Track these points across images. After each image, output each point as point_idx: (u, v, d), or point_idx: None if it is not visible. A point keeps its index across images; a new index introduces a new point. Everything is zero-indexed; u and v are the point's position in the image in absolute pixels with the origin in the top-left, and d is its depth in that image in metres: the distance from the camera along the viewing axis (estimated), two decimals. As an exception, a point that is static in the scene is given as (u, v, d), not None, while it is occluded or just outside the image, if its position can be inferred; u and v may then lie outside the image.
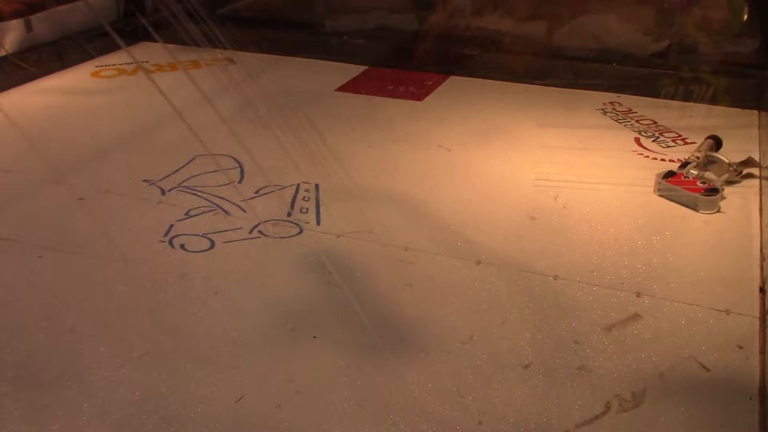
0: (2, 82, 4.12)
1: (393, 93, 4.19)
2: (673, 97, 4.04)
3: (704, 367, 2.03)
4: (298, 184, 3.03)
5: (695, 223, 2.79)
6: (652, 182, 3.06)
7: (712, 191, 2.89)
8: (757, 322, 2.22)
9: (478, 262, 2.52)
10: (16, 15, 4.42)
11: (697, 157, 3.12)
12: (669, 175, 3.02)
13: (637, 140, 3.52)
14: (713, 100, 3.99)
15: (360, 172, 3.18)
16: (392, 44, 4.86)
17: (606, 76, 4.23)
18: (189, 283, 2.39)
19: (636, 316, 2.24)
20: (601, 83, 4.19)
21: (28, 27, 4.49)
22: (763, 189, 3.00)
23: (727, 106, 3.94)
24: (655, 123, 3.72)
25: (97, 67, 4.55)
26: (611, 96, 4.10)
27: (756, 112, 3.85)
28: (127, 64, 4.58)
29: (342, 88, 4.25)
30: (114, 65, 4.58)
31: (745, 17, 4.31)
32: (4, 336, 2.11)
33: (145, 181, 3.05)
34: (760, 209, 2.87)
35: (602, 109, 3.92)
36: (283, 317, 2.23)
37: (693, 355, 2.08)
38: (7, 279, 2.40)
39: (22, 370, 1.98)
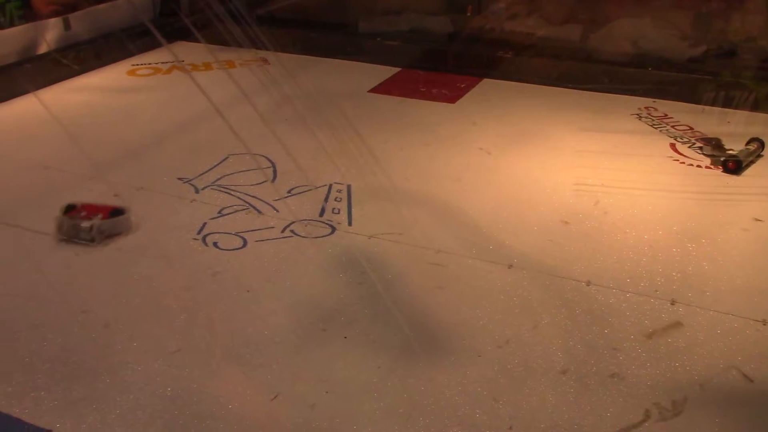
0: (41, 79, 4.19)
1: (426, 95, 4.18)
2: (710, 103, 3.98)
3: (747, 378, 2.00)
4: (331, 185, 3.03)
5: (732, 230, 2.75)
6: (688, 189, 3.02)
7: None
8: (795, 333, 2.18)
9: (510, 266, 2.51)
10: (54, 14, 4.49)
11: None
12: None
13: (673, 146, 3.47)
14: (753, 107, 3.92)
15: (392, 174, 3.18)
16: (426, 46, 4.85)
17: (641, 81, 4.19)
18: (221, 281, 2.41)
19: (678, 324, 2.21)
20: (637, 88, 4.15)
21: (67, 25, 4.56)
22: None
23: (767, 112, 3.87)
24: (692, 129, 3.67)
25: (133, 65, 4.61)
26: (647, 101, 4.05)
27: (796, 118, 3.78)
28: (162, 63, 4.63)
29: (375, 90, 4.26)
30: (150, 64, 4.63)
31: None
32: (41, 329, 2.14)
33: (179, 179, 3.08)
34: (799, 218, 2.82)
35: (637, 114, 3.88)
36: (314, 317, 2.23)
37: (732, 365, 2.04)
38: (45, 273, 2.43)
39: (58, 363, 2.01)
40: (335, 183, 3.05)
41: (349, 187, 3.02)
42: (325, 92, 4.18)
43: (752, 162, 3.27)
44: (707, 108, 3.95)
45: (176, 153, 3.35)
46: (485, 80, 4.41)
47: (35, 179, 3.08)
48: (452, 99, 4.12)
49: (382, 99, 4.15)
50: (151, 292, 2.34)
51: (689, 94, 4.04)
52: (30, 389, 1.91)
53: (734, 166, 3.18)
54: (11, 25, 4.18)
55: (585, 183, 3.09)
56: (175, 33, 4.87)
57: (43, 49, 4.38)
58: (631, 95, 4.13)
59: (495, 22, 4.94)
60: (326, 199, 2.93)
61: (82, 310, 2.24)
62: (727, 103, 3.96)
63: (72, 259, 2.52)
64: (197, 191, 2.98)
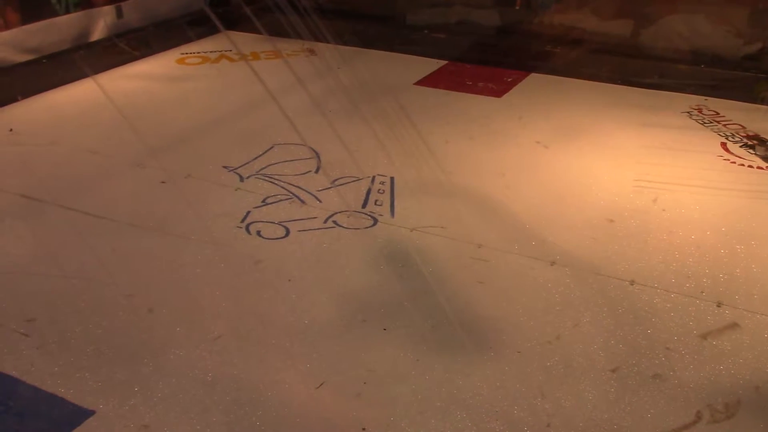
0: (93, 65, 4.27)
1: (471, 88, 4.16)
2: (765, 102, 3.89)
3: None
4: (374, 177, 3.04)
5: (783, 233, 2.68)
6: (738, 188, 2.96)
7: None
8: None
9: (552, 263, 2.48)
10: (108, 2, 4.57)
11: None
12: None
13: (723, 145, 3.40)
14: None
15: (436, 167, 3.17)
16: (473, 39, 4.82)
17: (693, 78, 4.10)
18: (264, 269, 2.43)
19: (734, 326, 2.16)
20: (689, 85, 4.06)
21: (119, 13, 4.63)
22: None
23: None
24: (744, 128, 3.58)
25: (182, 54, 4.67)
26: (698, 99, 3.97)
27: None
28: (211, 52, 4.68)
29: (421, 82, 4.25)
30: (198, 53, 4.68)
31: None
32: (86, 311, 2.19)
33: (224, 167, 3.11)
34: None
35: (688, 112, 3.80)
36: (354, 308, 2.24)
37: (763, 370, 2.00)
38: (91, 255, 2.47)
39: (103, 345, 2.05)
40: (379, 175, 3.05)
41: (392, 179, 3.02)
42: (370, 84, 4.18)
43: None
44: (761, 107, 3.86)
45: (222, 141, 3.39)
46: (533, 74, 4.37)
47: (86, 164, 3.14)
48: (499, 93, 4.09)
49: (428, 92, 4.13)
50: (195, 279, 2.38)
51: (743, 93, 3.95)
52: (75, 370, 1.96)
53: None
54: (67, 12, 4.27)
55: (632, 180, 3.05)
56: (224, 22, 4.92)
57: (96, 36, 4.47)
58: (683, 92, 4.04)
59: (544, 16, 4.88)
60: (369, 191, 2.94)
61: (127, 293, 2.28)
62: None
63: (119, 242, 2.56)
64: (242, 180, 3.01)
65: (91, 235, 2.60)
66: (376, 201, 2.86)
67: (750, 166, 3.19)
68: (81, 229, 2.63)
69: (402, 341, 2.10)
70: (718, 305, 2.28)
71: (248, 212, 2.77)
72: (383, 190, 2.94)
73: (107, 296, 2.27)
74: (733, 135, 3.50)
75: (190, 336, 2.10)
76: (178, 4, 5.06)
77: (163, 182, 2.99)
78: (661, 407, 1.88)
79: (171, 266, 2.44)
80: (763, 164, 3.19)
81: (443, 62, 4.56)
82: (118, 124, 3.48)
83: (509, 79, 4.28)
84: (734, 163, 3.23)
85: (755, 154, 3.27)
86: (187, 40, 4.82)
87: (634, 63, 4.32)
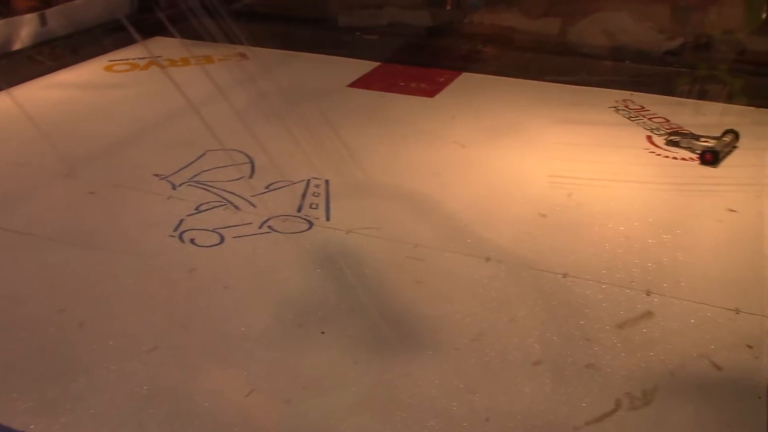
0: (16, 75, 4.15)
1: (405, 89, 4.18)
2: (686, 96, 4.02)
3: (716, 366, 2.02)
4: (309, 180, 3.03)
5: (706, 221, 2.77)
6: (664, 180, 3.05)
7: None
8: (767, 322, 2.20)
9: (487, 260, 2.52)
10: (31, 9, 4.45)
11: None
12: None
13: (649, 138, 3.49)
14: (728, 99, 3.96)
15: (371, 169, 3.18)
16: (405, 40, 4.85)
17: (619, 74, 4.21)
18: (198, 277, 2.40)
19: (648, 314, 2.23)
20: (615, 81, 4.17)
21: (43, 21, 4.52)
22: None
23: (741, 104, 3.90)
24: (668, 121, 3.69)
25: (110, 61, 4.57)
26: (624, 94, 4.07)
27: (771, 110, 3.81)
28: (140, 58, 4.60)
29: (354, 84, 4.25)
30: (127, 60, 4.59)
31: (764, 16, 4.27)
32: (14, 329, 2.13)
33: (156, 175, 3.06)
34: (773, 208, 2.85)
35: (615, 107, 3.90)
36: (291, 313, 2.23)
37: (703, 354, 2.06)
38: (19, 272, 2.41)
39: (32, 363, 2.00)
40: (313, 178, 3.04)
41: (327, 182, 3.02)
42: (303, 87, 4.17)
43: (728, 153, 3.30)
44: (683, 100, 3.98)
45: (153, 149, 3.33)
46: (464, 74, 4.41)
47: (9, 177, 3.05)
48: (431, 93, 4.12)
49: (361, 93, 4.14)
50: (127, 290, 2.33)
51: (666, 87, 4.06)
52: (4, 390, 1.90)
53: (711, 158, 3.20)
54: (-14, 21, 4.15)
55: (561, 175, 3.10)
56: (154, 28, 4.84)
57: (18, 45, 4.34)
58: (609, 88, 4.14)
59: (474, 16, 4.95)
60: (304, 195, 2.93)
61: (57, 309, 2.22)
62: (703, 96, 4.00)
63: (47, 257, 2.50)
64: (174, 188, 2.97)
65: (17, 250, 2.53)
66: (311, 204, 2.85)
67: (674, 158, 3.29)
68: (7, 246, 2.55)
69: (340, 344, 2.10)
70: (648, 294, 2.34)
71: (181, 220, 2.73)
72: (318, 194, 2.93)
73: (36, 313, 2.21)
74: (658, 128, 3.60)
75: (124, 349, 2.06)
76: (105, 10, 4.96)
77: (91, 193, 2.92)
78: (595, 396, 1.92)
79: (102, 279, 2.39)
80: (687, 155, 3.29)
81: (376, 64, 4.58)
82: (43, 134, 3.39)
83: (441, 79, 4.32)
84: (659, 155, 3.32)
85: (679, 146, 3.37)
86: (116, 47, 4.72)
87: (562, 60, 4.41)
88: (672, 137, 3.43)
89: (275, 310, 2.25)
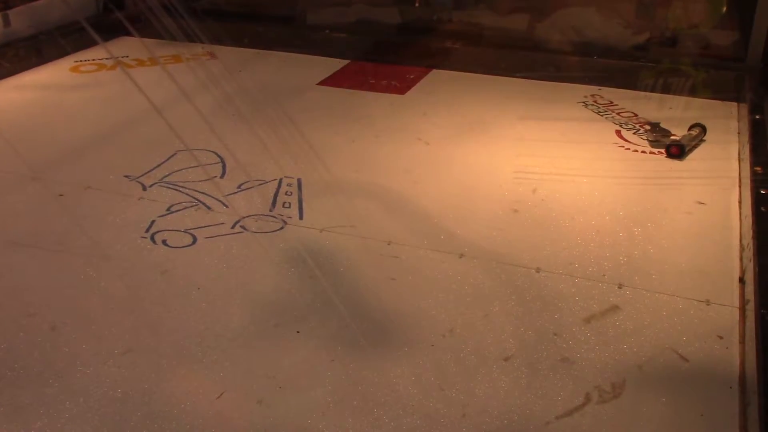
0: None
1: (375, 87, 4.18)
2: (653, 90, 4.07)
3: (686, 358, 2.05)
4: (281, 179, 3.02)
5: (676, 214, 2.81)
6: (633, 174, 3.09)
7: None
8: (737, 312, 2.24)
9: (461, 256, 2.53)
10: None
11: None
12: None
13: (618, 132, 3.53)
14: (693, 92, 4.02)
15: (342, 167, 3.18)
16: (374, 38, 4.85)
17: (587, 69, 4.24)
18: (171, 279, 2.38)
19: (615, 308, 2.25)
20: (583, 76, 4.21)
21: (6, 22, 4.44)
22: (742, 180, 3.02)
23: (706, 98, 3.97)
24: (636, 115, 3.73)
25: (76, 62, 4.51)
26: (592, 89, 4.11)
27: (735, 103, 3.87)
28: (106, 59, 4.54)
29: (324, 82, 4.24)
30: (93, 60, 4.54)
31: (724, 9, 4.34)
32: (-16, 334, 2.09)
33: (126, 176, 3.03)
34: (740, 201, 2.89)
35: (583, 102, 3.94)
36: (266, 312, 2.22)
37: (673, 346, 2.09)
38: (-13, 277, 2.37)
39: (3, 369, 1.97)
40: (285, 177, 3.03)
41: (299, 180, 3.01)
42: (273, 86, 4.16)
43: (695, 146, 3.35)
44: (651, 94, 4.04)
45: (123, 150, 3.29)
46: (434, 71, 4.43)
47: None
48: (402, 90, 4.13)
49: (332, 91, 4.13)
50: (100, 293, 2.30)
51: (633, 82, 4.11)
52: (-25, 396, 1.87)
53: (677, 151, 3.25)
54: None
55: (532, 171, 3.13)
56: (121, 28, 4.78)
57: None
58: (578, 83, 4.18)
59: (443, 13, 4.96)
60: (277, 194, 2.91)
61: (27, 313, 2.19)
62: (669, 90, 4.05)
63: (17, 261, 2.46)
64: (145, 189, 2.94)
65: (-15, 254, 2.49)
66: (284, 203, 2.84)
67: (644, 152, 3.33)
68: (-26, 249, 2.51)
69: (316, 343, 2.10)
70: (620, 287, 2.37)
71: (153, 221, 2.70)
72: (291, 192, 2.92)
73: (6, 317, 2.17)
74: (627, 122, 3.64)
75: (98, 352, 2.04)
76: (70, 10, 4.89)
77: (61, 195, 2.88)
78: (569, 389, 1.94)
79: (74, 282, 2.36)
80: (656, 149, 3.33)
81: (346, 62, 4.57)
82: (8, 137, 3.34)
83: (411, 76, 4.33)
84: (628, 149, 3.36)
85: (647, 140, 3.41)
86: (82, 47, 4.66)
87: (531, 56, 4.44)
88: (644, 129, 3.48)
89: (250, 310, 2.24)
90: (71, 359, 2.01)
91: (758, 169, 2.94)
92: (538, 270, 2.45)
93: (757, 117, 3.53)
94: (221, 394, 1.90)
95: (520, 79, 4.28)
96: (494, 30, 4.77)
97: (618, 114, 3.76)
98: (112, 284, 2.35)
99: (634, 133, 3.52)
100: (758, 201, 2.71)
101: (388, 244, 2.58)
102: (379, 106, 3.89)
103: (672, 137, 3.36)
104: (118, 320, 2.17)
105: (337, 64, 4.53)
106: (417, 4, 5.20)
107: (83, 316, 2.19)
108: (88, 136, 3.44)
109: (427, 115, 3.76)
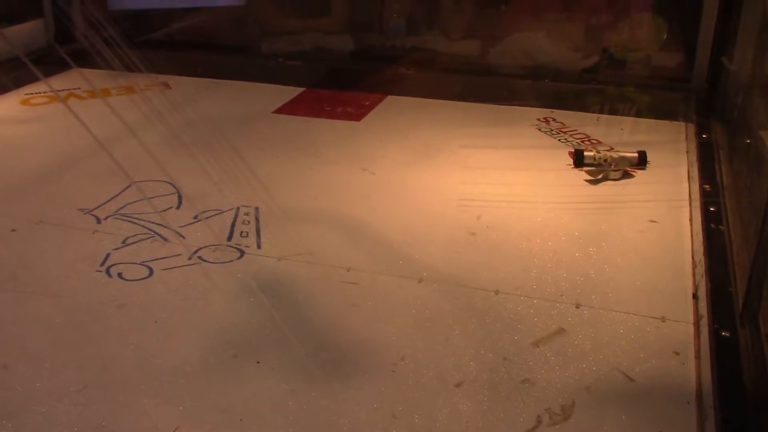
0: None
1: (331, 114, 4.20)
2: (604, 112, 4.16)
3: (641, 375, 2.07)
4: (238, 208, 3.00)
5: (630, 233, 2.86)
6: (587, 195, 3.14)
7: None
8: (691, 328, 2.28)
9: (420, 280, 2.54)
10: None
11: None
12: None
13: (572, 154, 3.59)
14: (642, 114, 4.12)
15: (300, 194, 3.18)
16: (329, 65, 4.88)
17: (539, 93, 4.32)
18: (127, 312, 2.34)
19: (561, 331, 2.27)
20: (535, 100, 4.28)
21: (-47, 55, 4.37)
22: (692, 199, 3.09)
23: (655, 118, 4.07)
24: (588, 138, 3.80)
25: (26, 94, 4.45)
26: (545, 112, 4.18)
27: (683, 123, 3.97)
28: (58, 90, 4.49)
29: (279, 111, 4.25)
30: (45, 92, 4.48)
31: (665, 34, 4.46)
32: (-67, 376, 2.03)
33: (80, 210, 2.99)
34: (690, 219, 2.96)
35: (537, 125, 4.00)
36: (225, 343, 2.20)
37: (632, 363, 2.12)
38: (-64, 316, 2.31)
39: (-46, 411, 1.91)
40: (243, 206, 3.02)
41: (257, 209, 3.00)
42: (229, 115, 4.15)
43: (617, 166, 3.35)
44: (601, 116, 4.12)
45: (76, 183, 3.25)
46: (390, 97, 4.46)
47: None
48: (357, 117, 4.15)
49: (288, 119, 4.14)
50: (54, 329, 2.26)
51: (584, 104, 4.20)
52: (-77, 441, 1.81)
53: (573, 156, 3.41)
54: None
55: (482, 195, 3.16)
56: (73, 59, 4.73)
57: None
58: (531, 106, 4.25)
59: (396, 39, 5.01)
60: (234, 223, 2.90)
61: (-22, 352, 2.14)
62: (618, 112, 4.14)
63: (-34, 299, 2.40)
64: (99, 221, 2.90)
65: (-67, 293, 2.43)
66: (241, 233, 2.83)
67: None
68: None
69: (276, 373, 2.08)
70: (577, 306, 2.40)
71: (108, 255, 2.67)
72: (248, 221, 2.91)
73: (-44, 357, 2.12)
74: (579, 145, 3.71)
75: (52, 391, 1.99)
76: (19, 42, 4.83)
77: (13, 230, 2.83)
78: (531, 411, 1.95)
79: (26, 319, 2.31)
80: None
81: (301, 89, 4.59)
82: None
83: (367, 103, 4.36)
84: (582, 170, 3.42)
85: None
86: (32, 80, 4.59)
87: (484, 81, 4.51)
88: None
89: (208, 342, 2.21)
90: (25, 398, 1.96)
91: (707, 187, 3.02)
92: (497, 292, 2.47)
93: (704, 137, 3.63)
94: (176, 429, 1.87)
95: (474, 104, 4.34)
96: (448, 56, 4.83)
97: (571, 136, 3.83)
98: (67, 320, 2.30)
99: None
100: (708, 218, 2.78)
101: (348, 271, 2.58)
102: (336, 133, 3.90)
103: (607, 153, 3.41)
104: (73, 357, 2.13)
105: (292, 92, 4.54)
106: (370, 32, 5.25)
107: (37, 354, 2.14)
108: (41, 170, 3.39)
109: (383, 142, 3.78)
